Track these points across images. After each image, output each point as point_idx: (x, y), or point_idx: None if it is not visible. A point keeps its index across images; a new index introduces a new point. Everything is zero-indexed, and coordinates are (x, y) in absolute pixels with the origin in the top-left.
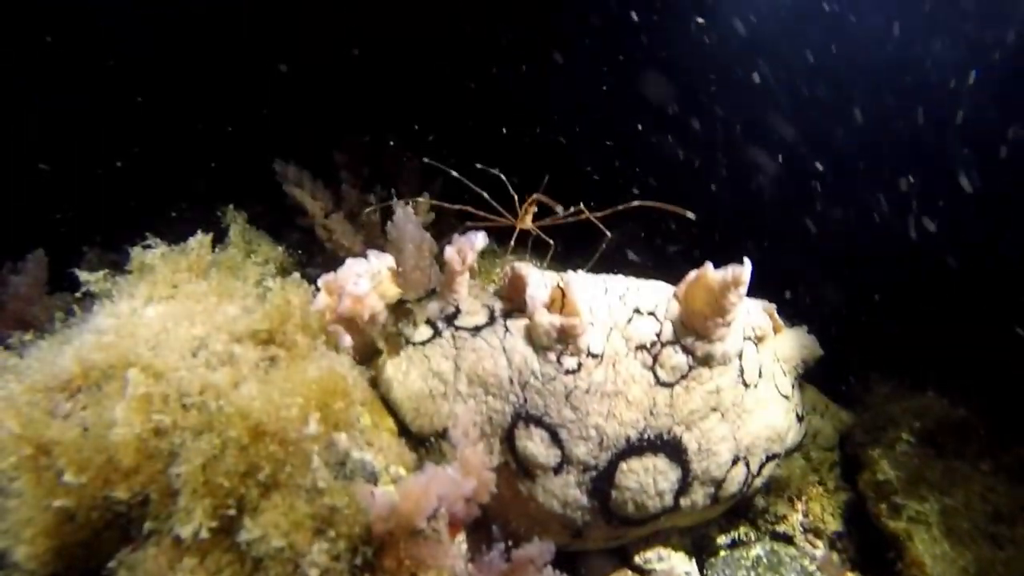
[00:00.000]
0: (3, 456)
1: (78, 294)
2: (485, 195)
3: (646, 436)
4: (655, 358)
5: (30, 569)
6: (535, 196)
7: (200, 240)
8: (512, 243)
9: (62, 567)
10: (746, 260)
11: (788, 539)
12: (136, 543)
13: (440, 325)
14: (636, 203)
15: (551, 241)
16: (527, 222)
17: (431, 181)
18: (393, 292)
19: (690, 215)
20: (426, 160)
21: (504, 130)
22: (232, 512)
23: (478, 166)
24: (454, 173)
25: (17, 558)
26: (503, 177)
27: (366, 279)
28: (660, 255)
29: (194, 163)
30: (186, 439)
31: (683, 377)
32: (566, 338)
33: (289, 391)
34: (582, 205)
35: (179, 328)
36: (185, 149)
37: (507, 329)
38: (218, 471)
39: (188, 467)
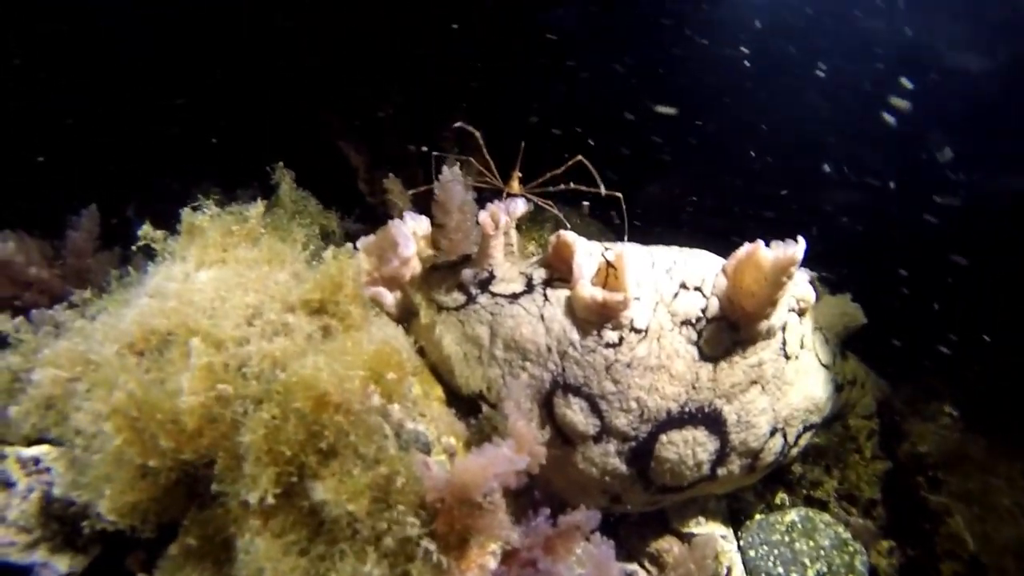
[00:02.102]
0: (113, 412)
1: (133, 248)
2: (473, 160)
3: (687, 409)
4: (700, 333)
5: (111, 520)
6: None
7: (257, 209)
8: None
9: (138, 520)
10: (800, 239)
11: (823, 505)
12: (202, 500)
13: (473, 291)
14: (579, 157)
15: (549, 204)
16: (514, 187)
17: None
18: (426, 255)
19: (618, 195)
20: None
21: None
22: (295, 479)
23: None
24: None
25: (100, 510)
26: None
27: (412, 242)
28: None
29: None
30: (247, 407)
31: (727, 352)
32: (608, 312)
33: (350, 363)
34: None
35: (233, 296)
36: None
37: (546, 298)
38: (279, 439)
39: (252, 436)
